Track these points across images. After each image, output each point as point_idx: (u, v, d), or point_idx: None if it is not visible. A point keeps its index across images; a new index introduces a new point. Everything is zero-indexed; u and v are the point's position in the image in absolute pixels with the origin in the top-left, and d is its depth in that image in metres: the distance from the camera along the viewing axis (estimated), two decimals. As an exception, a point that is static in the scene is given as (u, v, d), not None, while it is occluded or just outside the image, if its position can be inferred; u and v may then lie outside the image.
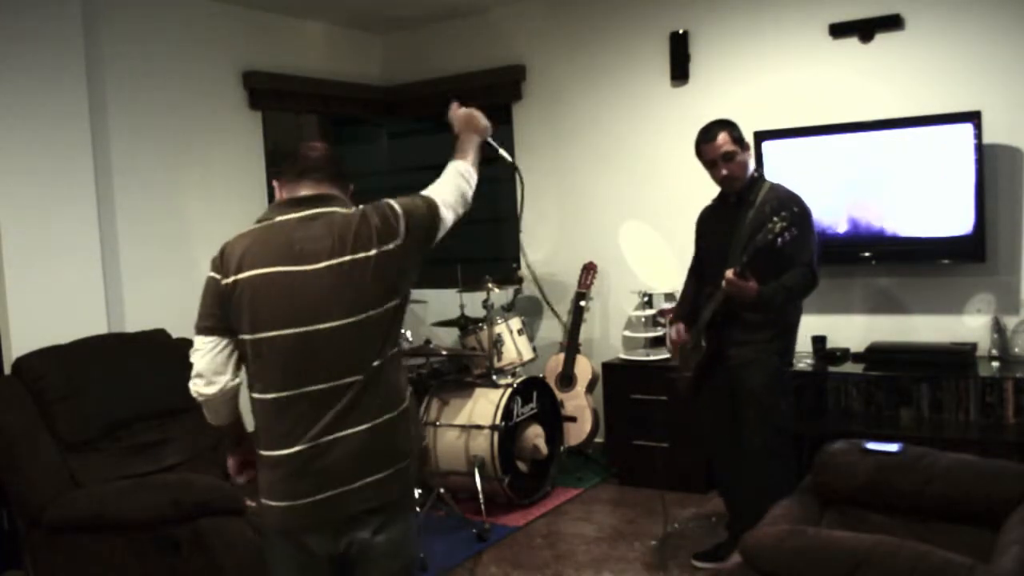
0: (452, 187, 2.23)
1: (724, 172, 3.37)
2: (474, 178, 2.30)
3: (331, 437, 1.96)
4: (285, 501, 1.98)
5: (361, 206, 2.08)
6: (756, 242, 3.08)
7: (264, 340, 1.95)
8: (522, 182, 2.73)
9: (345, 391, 1.96)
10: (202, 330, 2.02)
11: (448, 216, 2.16)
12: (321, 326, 1.94)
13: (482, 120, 2.38)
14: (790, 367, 3.53)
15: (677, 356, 3.67)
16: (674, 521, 4.08)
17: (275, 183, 2.18)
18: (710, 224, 3.62)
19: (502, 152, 2.55)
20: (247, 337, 1.97)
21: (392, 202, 2.08)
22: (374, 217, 2.03)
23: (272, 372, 1.97)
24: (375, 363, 2.00)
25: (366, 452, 1.99)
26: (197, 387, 2.03)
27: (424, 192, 2.18)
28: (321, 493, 1.96)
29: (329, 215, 2.03)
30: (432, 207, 2.12)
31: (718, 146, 3.35)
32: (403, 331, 2.10)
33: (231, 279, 1.97)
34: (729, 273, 3.13)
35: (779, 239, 3.02)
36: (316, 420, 1.96)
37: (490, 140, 2.45)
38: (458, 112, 2.38)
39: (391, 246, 2.00)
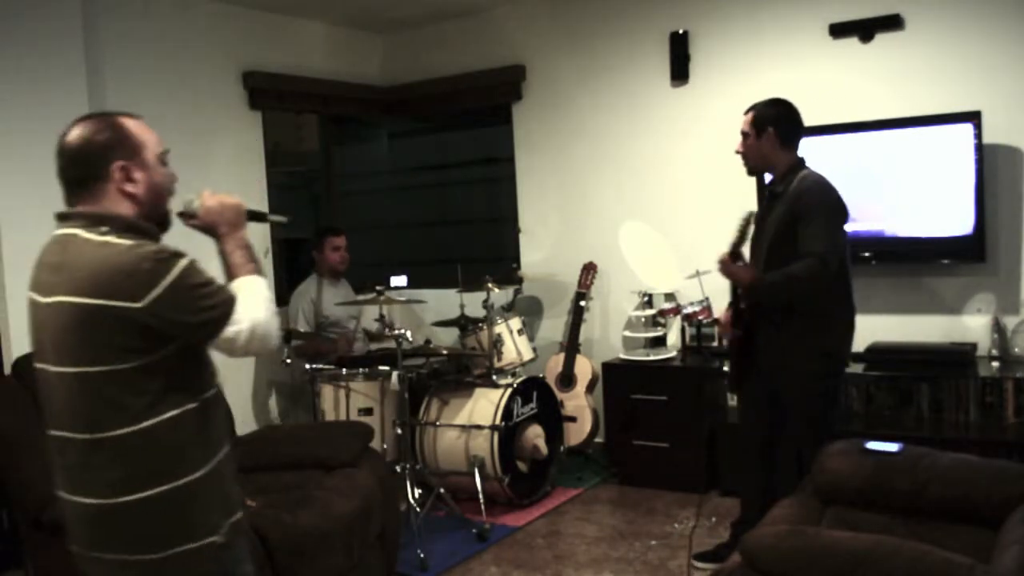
0: (265, 312, 1.80)
1: (736, 149, 3.35)
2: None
3: (66, 496, 1.78)
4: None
5: (109, 238, 1.71)
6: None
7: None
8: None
9: (68, 447, 1.75)
10: None
11: (240, 336, 1.74)
12: (49, 367, 1.76)
13: (229, 200, 1.93)
14: (835, 370, 3.28)
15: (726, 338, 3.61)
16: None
17: None
18: (758, 217, 3.46)
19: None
20: None
21: (177, 265, 1.70)
22: (120, 259, 1.67)
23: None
24: (100, 433, 1.70)
25: (96, 527, 1.75)
26: None
27: (243, 303, 1.76)
28: (73, 545, 1.81)
29: (69, 239, 1.74)
30: (220, 318, 1.72)
31: (744, 120, 3.33)
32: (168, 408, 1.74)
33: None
34: (721, 255, 3.17)
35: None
36: (58, 468, 1.79)
37: (251, 209, 1.99)
38: (210, 202, 1.92)
39: (118, 304, 1.65)
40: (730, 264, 3.19)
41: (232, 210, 1.90)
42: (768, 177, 3.48)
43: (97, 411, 1.71)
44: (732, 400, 4.53)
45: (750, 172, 3.41)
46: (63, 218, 1.79)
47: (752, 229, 3.28)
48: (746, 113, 3.34)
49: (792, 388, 3.23)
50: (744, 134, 3.32)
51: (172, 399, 1.74)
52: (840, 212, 3.20)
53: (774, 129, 3.25)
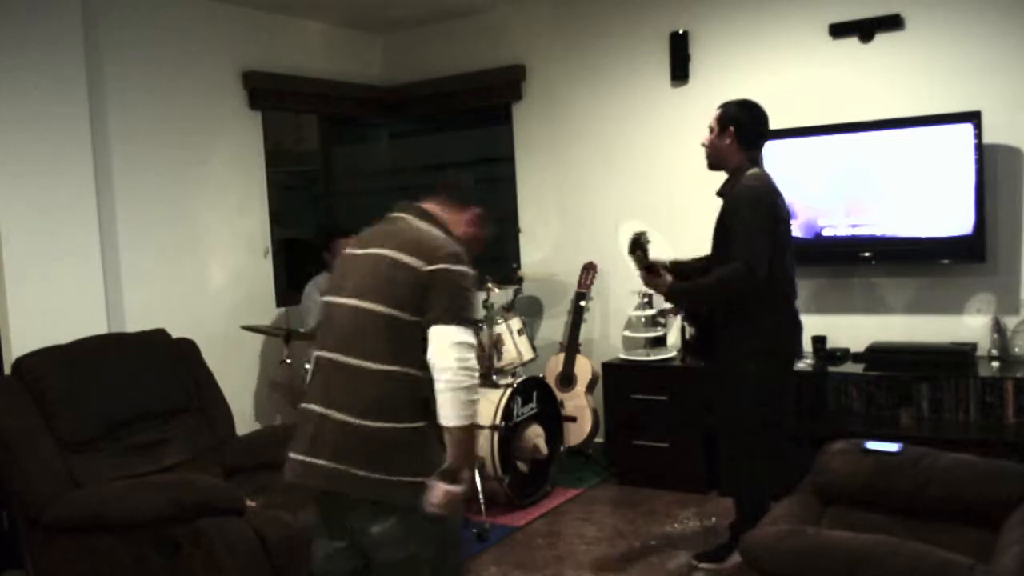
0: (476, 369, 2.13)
1: (702, 141, 3.42)
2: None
3: (323, 411, 2.21)
4: None
5: (431, 227, 2.26)
6: None
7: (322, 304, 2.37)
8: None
9: (340, 369, 2.19)
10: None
11: (440, 339, 2.08)
12: (340, 299, 2.23)
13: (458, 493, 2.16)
14: (773, 370, 3.31)
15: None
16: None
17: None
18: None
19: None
20: None
21: (459, 257, 2.17)
22: (426, 236, 2.20)
23: None
24: (367, 363, 2.13)
25: (346, 442, 2.16)
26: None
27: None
28: (306, 457, 2.24)
29: (397, 219, 2.30)
30: (451, 316, 2.10)
31: (713, 115, 3.40)
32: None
33: None
34: (640, 274, 3.34)
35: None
36: (319, 384, 2.24)
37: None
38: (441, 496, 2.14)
39: (413, 261, 2.12)
40: (647, 278, 3.33)
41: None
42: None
43: (383, 350, 2.13)
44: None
45: (709, 166, 3.45)
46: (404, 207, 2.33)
47: (644, 246, 3.36)
48: (717, 108, 3.40)
49: (727, 383, 3.35)
50: (710, 128, 3.38)
51: (412, 360, 2.11)
52: (765, 217, 3.21)
53: (735, 129, 3.32)
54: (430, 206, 2.31)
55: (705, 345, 3.48)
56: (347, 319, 2.16)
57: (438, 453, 2.14)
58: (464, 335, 2.08)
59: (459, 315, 2.09)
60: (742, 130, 3.32)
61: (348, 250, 2.29)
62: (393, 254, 2.14)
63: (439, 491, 2.11)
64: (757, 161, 3.38)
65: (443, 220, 2.29)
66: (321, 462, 2.14)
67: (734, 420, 3.38)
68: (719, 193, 3.41)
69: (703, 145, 3.42)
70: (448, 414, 2.07)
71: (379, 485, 2.10)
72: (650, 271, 3.33)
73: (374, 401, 2.11)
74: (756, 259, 3.14)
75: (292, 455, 2.22)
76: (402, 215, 2.29)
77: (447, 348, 2.06)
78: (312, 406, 2.19)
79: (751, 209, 3.20)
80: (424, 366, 2.10)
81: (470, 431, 2.13)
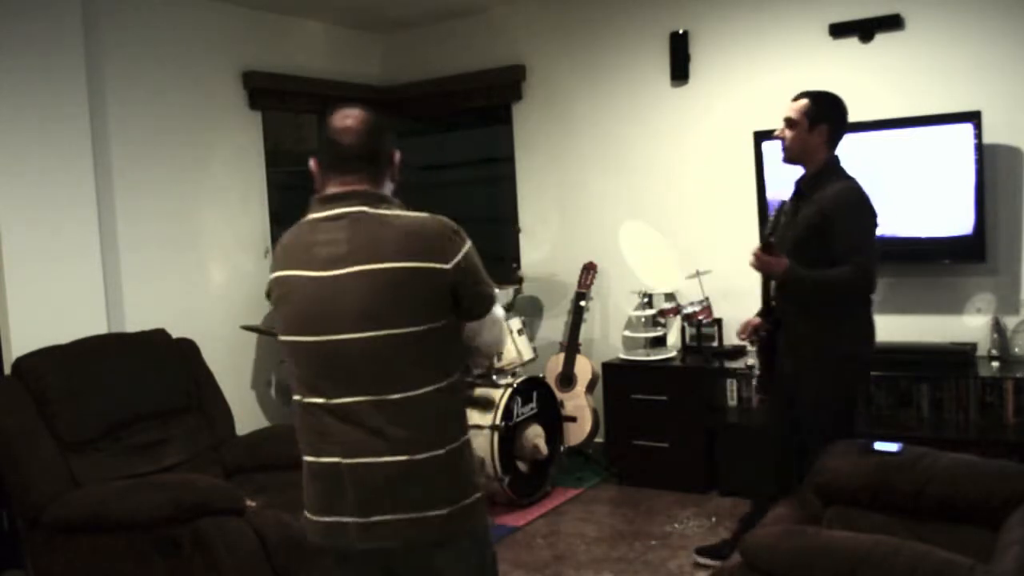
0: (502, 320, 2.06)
1: (777, 134, 3.20)
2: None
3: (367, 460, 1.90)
4: None
5: (401, 212, 1.85)
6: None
7: (287, 343, 1.87)
8: None
9: (368, 411, 1.86)
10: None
11: (489, 321, 1.96)
12: (332, 337, 1.80)
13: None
14: (858, 376, 3.27)
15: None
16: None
17: (311, 165, 1.92)
18: (781, 216, 3.34)
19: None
20: (280, 338, 1.90)
21: (459, 231, 1.88)
22: (421, 228, 1.82)
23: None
24: (404, 393, 1.82)
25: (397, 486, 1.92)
26: None
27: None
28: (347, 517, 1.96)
29: (355, 216, 1.82)
30: (491, 296, 1.95)
31: (790, 107, 3.16)
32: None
33: (271, 276, 1.92)
34: (755, 250, 3.08)
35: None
36: (341, 436, 1.86)
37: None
38: None
39: (431, 264, 1.79)
40: (762, 257, 3.08)
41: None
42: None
43: (404, 372, 1.82)
44: (732, 400, 4.54)
45: (787, 161, 3.22)
46: (330, 200, 1.86)
47: (783, 219, 3.19)
48: (797, 99, 3.17)
49: (812, 398, 3.16)
50: (790, 121, 3.14)
51: (455, 361, 1.91)
52: (872, 222, 3.11)
53: (828, 126, 3.12)
54: (362, 186, 1.85)
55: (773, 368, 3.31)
56: (360, 355, 1.79)
57: (473, 474, 1.99)
58: (498, 313, 2.00)
59: (489, 300, 1.94)
60: (835, 126, 3.14)
61: (300, 273, 1.83)
62: (404, 264, 1.78)
63: None
64: (838, 159, 3.20)
65: (386, 193, 1.90)
66: (387, 517, 1.81)
67: (827, 436, 3.08)
68: (803, 189, 3.21)
69: (779, 137, 3.19)
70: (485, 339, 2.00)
71: (463, 514, 1.87)
72: (768, 248, 3.09)
73: (433, 426, 1.83)
74: (873, 264, 3.03)
75: (329, 519, 1.85)
76: (354, 209, 1.82)
77: (488, 332, 1.99)
78: (330, 459, 1.83)
79: (860, 214, 3.07)
80: (463, 361, 1.98)
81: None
